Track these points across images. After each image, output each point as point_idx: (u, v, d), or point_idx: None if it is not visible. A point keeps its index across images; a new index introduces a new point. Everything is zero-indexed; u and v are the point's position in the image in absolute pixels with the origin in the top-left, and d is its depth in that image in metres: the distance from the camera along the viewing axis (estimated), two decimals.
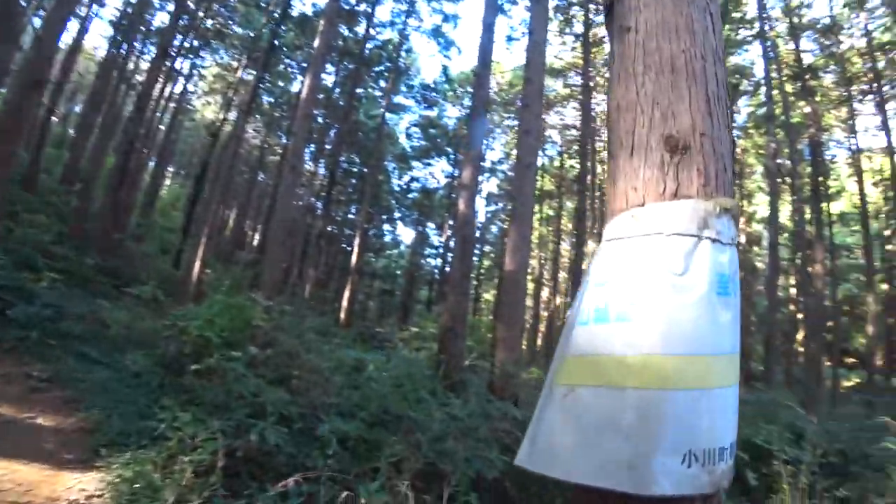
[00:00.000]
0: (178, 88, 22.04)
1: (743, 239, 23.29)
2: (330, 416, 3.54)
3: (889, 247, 20.03)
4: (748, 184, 24.56)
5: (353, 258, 18.85)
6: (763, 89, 16.52)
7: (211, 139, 17.72)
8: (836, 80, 16.94)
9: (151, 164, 22.28)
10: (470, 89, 23.08)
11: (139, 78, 18.89)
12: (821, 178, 17.02)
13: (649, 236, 1.35)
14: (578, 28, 19.11)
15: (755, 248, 25.94)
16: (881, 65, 15.31)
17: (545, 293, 31.13)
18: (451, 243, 24.58)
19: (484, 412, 4.51)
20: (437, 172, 26.47)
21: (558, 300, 29.27)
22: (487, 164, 25.17)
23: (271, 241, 11.19)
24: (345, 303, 17.65)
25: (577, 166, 23.42)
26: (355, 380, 4.70)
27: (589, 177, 20.74)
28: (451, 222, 23.42)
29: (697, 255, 1.30)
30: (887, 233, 19.99)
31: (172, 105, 22.11)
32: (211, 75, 25.07)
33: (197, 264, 11.64)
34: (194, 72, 22.34)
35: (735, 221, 1.39)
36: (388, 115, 22.69)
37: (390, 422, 3.79)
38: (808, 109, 16.86)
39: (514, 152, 25.66)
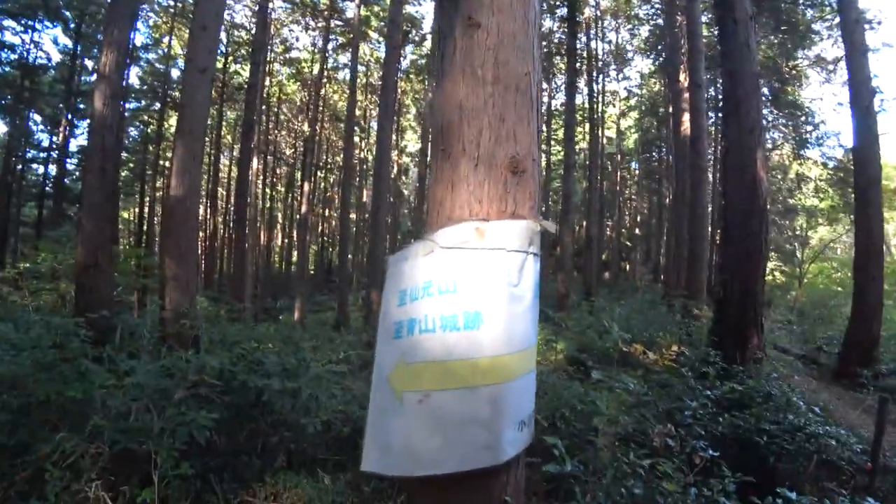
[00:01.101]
0: None
1: (395, 169, 27.04)
2: None
3: None
4: (403, 121, 28.11)
5: None
6: (428, 42, 18.75)
7: None
8: None
9: None
10: None
11: None
12: None
13: (494, 251, 1.47)
14: None
15: (403, 178, 30.47)
16: None
17: (199, 211, 28.11)
18: (72, 145, 18.54)
19: (168, 370, 3.90)
20: (46, 43, 18.60)
21: (219, 219, 26.99)
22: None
23: None
24: None
25: (245, 73, 21.22)
26: None
27: (258, 88, 19.08)
28: (70, 117, 17.45)
29: (526, 269, 1.51)
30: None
31: None
32: None
33: None
34: None
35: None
36: None
37: (41, 412, 2.81)
38: None
39: (167, 40, 20.98)
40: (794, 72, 17.53)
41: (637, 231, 34.32)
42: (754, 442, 3.75)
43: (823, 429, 3.86)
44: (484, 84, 1.54)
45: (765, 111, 16.95)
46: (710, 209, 13.77)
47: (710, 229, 13.96)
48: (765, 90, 16.61)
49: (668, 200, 25.11)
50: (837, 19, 9.51)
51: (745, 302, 5.94)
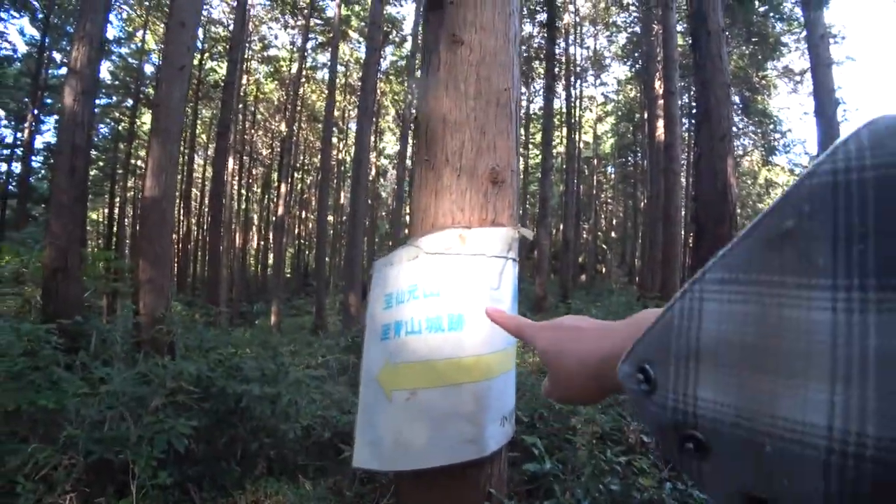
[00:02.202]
0: None
1: (373, 171, 26.94)
2: None
3: None
4: (381, 122, 28.01)
5: None
6: (408, 44, 18.79)
7: None
8: None
9: None
10: None
11: None
12: None
13: (475, 257, 1.53)
14: None
15: (381, 180, 30.33)
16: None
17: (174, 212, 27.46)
18: (38, 142, 17.88)
19: (144, 377, 3.82)
20: (12, 34, 17.82)
21: (192, 221, 26.40)
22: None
23: None
24: None
25: (222, 70, 20.86)
26: None
27: (236, 87, 18.73)
28: (36, 112, 16.84)
29: (505, 273, 1.58)
30: None
31: None
32: None
33: None
34: None
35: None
36: None
37: (11, 422, 2.73)
38: None
39: (140, 34, 20.44)
40: (763, 82, 18.20)
41: (613, 234, 34.96)
42: None
43: None
44: (466, 98, 1.61)
45: (736, 119, 17.56)
46: (682, 213, 14.15)
47: (683, 233, 14.35)
48: (736, 99, 17.20)
49: (642, 204, 25.65)
50: (805, 33, 9.93)
51: None
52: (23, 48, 17.91)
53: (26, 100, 17.29)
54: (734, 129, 17.08)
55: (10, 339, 3.46)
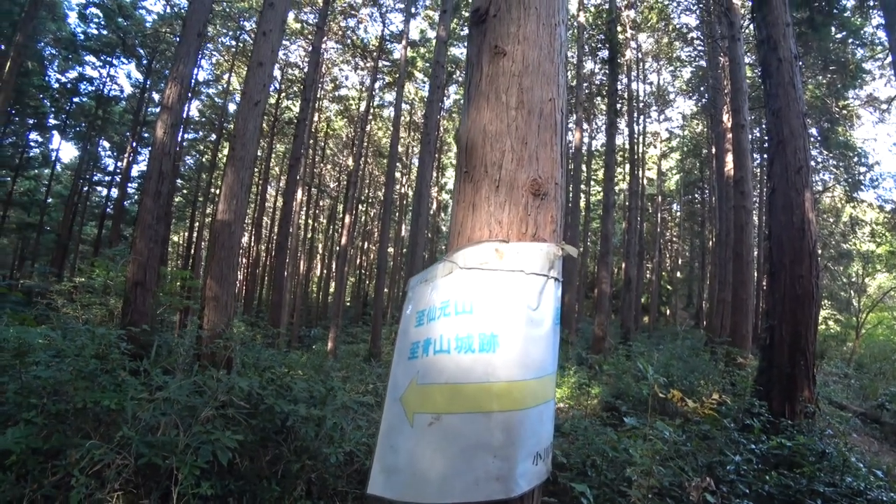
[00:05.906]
0: None
1: (434, 206, 27.49)
2: None
3: None
4: (444, 158, 28.70)
5: None
6: None
7: None
8: None
9: None
10: None
11: None
12: None
13: (513, 273, 1.43)
14: None
15: (442, 214, 30.84)
16: None
17: (244, 238, 29.25)
18: (134, 171, 19.89)
19: (198, 387, 3.97)
20: (120, 77, 20.55)
21: (262, 247, 27.94)
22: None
23: None
24: None
25: (296, 109, 22.38)
26: (5, 363, 3.37)
27: (307, 123, 20.00)
28: (134, 144, 18.81)
29: (545, 293, 1.46)
30: None
31: None
32: None
33: None
34: None
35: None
36: None
37: (77, 418, 2.91)
38: None
39: (226, 77, 22.53)
40: (844, 111, 16.94)
41: (678, 274, 33.17)
42: None
43: (888, 496, 3.49)
44: (508, 109, 1.56)
45: (813, 152, 16.41)
46: (755, 253, 13.19)
47: (755, 274, 13.33)
48: (813, 130, 16.10)
49: (711, 243, 24.27)
50: (890, 58, 9.18)
51: (795, 349, 5.55)
52: (128, 89, 20.44)
53: (127, 134, 19.51)
54: (812, 162, 15.97)
55: (85, 341, 3.74)
